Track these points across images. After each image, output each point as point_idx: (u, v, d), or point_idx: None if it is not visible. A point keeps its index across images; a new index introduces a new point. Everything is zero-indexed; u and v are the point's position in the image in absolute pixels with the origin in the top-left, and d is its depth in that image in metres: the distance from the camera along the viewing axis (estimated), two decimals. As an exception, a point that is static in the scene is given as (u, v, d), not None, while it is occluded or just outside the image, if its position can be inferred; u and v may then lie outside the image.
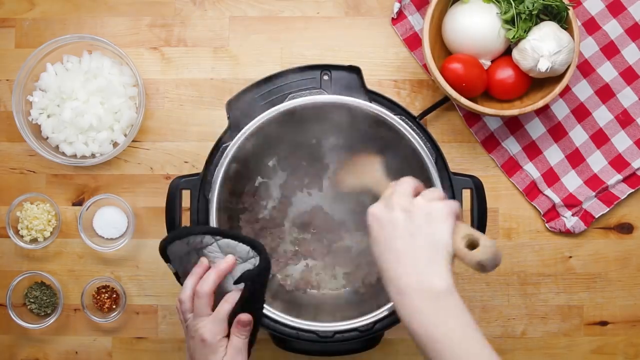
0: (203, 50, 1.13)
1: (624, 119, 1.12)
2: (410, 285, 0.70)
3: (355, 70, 0.93)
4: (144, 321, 1.11)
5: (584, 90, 1.12)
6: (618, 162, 1.11)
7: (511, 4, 1.01)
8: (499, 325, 1.12)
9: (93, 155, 1.09)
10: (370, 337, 0.92)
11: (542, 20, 1.02)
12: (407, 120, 0.92)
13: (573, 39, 1.02)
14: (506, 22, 1.02)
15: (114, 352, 1.11)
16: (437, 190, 0.76)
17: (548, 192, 1.11)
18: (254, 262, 0.85)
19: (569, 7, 1.02)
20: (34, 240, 1.10)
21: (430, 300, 0.69)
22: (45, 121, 1.09)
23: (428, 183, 0.92)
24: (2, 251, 1.12)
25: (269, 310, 0.90)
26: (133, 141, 1.11)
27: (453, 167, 0.92)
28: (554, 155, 1.12)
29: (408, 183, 0.76)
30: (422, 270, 0.70)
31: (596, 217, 1.11)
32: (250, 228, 1.06)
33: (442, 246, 0.70)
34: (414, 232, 0.71)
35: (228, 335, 0.83)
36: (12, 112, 1.06)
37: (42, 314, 1.11)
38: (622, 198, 1.11)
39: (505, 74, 1.04)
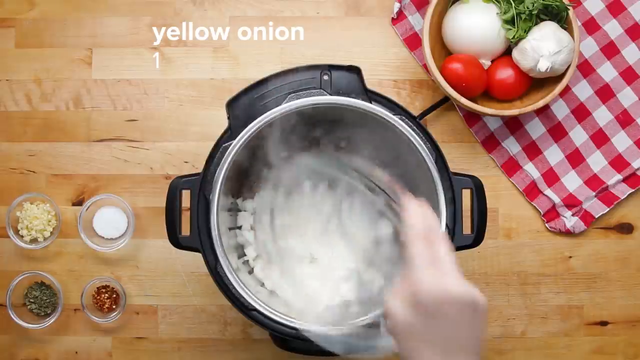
0: (203, 50, 1.13)
1: (624, 119, 1.12)
2: None
3: (355, 70, 0.93)
4: (143, 321, 1.11)
5: (584, 90, 1.12)
6: (618, 162, 1.11)
7: (511, 4, 1.01)
8: (499, 325, 1.12)
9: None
10: (370, 337, 0.91)
11: (542, 20, 1.02)
12: (407, 120, 0.92)
13: (573, 39, 1.02)
14: (506, 22, 1.02)
15: (114, 352, 1.11)
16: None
17: (548, 192, 1.11)
18: None
19: (569, 7, 1.02)
20: (34, 240, 1.10)
21: None
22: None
23: (428, 184, 0.92)
24: (2, 251, 1.12)
25: (269, 310, 0.90)
26: (133, 141, 1.11)
27: (453, 167, 0.92)
28: (554, 155, 1.12)
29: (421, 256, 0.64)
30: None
31: (596, 217, 1.11)
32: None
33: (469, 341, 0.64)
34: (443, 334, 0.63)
35: None
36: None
37: (42, 314, 1.11)
38: (622, 198, 1.11)
39: (505, 74, 1.04)
